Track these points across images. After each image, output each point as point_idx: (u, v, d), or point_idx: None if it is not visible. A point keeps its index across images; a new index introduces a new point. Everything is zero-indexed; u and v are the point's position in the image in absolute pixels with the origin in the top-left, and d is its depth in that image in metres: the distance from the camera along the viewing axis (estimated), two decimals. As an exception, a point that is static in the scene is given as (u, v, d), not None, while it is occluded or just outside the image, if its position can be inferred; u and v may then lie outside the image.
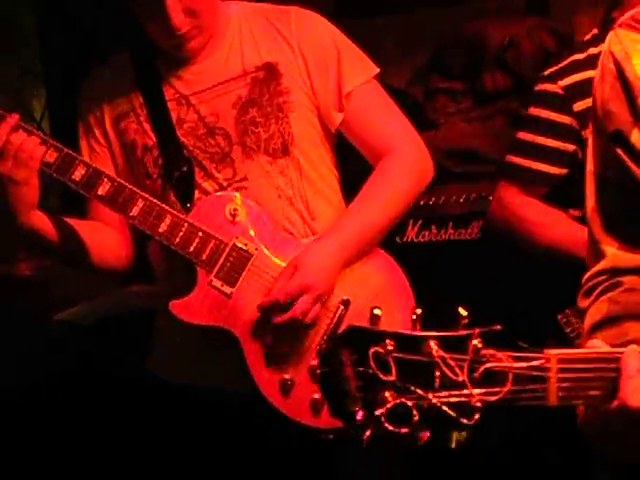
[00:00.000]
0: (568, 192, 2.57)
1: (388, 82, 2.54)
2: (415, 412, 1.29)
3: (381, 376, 1.29)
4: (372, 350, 1.30)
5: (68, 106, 2.52)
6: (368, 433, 1.28)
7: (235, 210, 2.22)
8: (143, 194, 2.20)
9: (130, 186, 2.21)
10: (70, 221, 2.29)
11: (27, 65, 4.49)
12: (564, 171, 2.57)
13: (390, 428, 1.28)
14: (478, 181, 3.41)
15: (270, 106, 2.26)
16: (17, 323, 3.52)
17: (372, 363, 1.29)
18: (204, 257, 2.19)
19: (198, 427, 2.31)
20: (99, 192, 2.19)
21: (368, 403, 1.28)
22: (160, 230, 2.19)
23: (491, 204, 2.72)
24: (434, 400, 1.28)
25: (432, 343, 1.30)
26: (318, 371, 1.30)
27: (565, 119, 2.53)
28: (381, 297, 2.27)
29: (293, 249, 2.24)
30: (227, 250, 2.20)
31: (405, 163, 2.32)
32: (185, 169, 2.25)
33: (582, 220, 2.55)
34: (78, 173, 2.18)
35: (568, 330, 2.53)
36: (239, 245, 2.21)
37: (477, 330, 1.29)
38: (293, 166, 2.29)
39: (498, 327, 1.30)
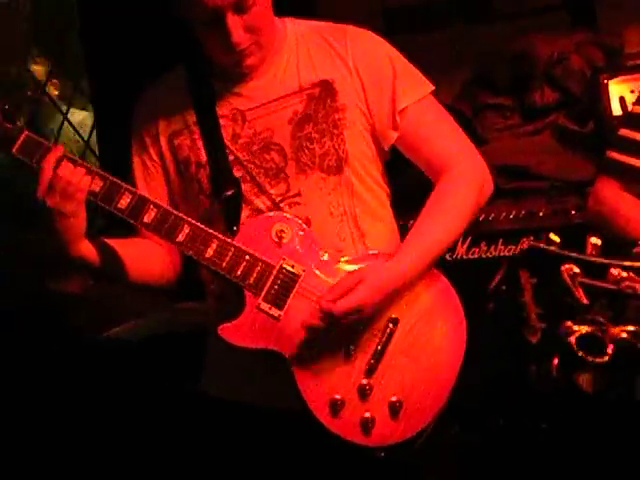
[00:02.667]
0: None
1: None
2: (611, 345, 1.24)
3: (578, 300, 1.22)
4: (566, 268, 1.24)
5: (116, 123, 2.55)
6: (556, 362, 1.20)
7: (282, 231, 2.22)
8: (189, 220, 2.21)
9: (176, 212, 2.21)
10: (116, 242, 2.30)
11: (75, 82, 4.54)
12: None
13: (585, 356, 1.24)
14: (528, 197, 3.41)
15: (325, 123, 2.26)
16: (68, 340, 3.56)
17: (569, 283, 1.22)
18: (251, 281, 2.19)
19: (251, 444, 2.30)
20: (145, 219, 2.19)
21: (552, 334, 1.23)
22: (207, 255, 2.19)
23: (589, 198, 2.68)
24: (624, 335, 1.21)
25: (615, 270, 1.22)
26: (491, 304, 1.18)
27: None
28: (430, 315, 2.26)
29: (342, 269, 2.22)
30: (274, 273, 2.19)
31: (466, 180, 2.30)
32: (232, 192, 2.25)
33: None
34: (124, 201, 2.19)
35: None
36: (286, 267, 2.20)
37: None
38: (346, 183, 2.28)
39: None
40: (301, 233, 2.22)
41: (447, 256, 3.22)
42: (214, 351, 2.39)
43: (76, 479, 3.21)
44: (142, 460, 3.22)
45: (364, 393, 2.20)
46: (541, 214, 3.42)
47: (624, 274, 1.24)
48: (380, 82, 2.30)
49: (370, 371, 2.20)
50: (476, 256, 3.37)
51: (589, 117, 3.52)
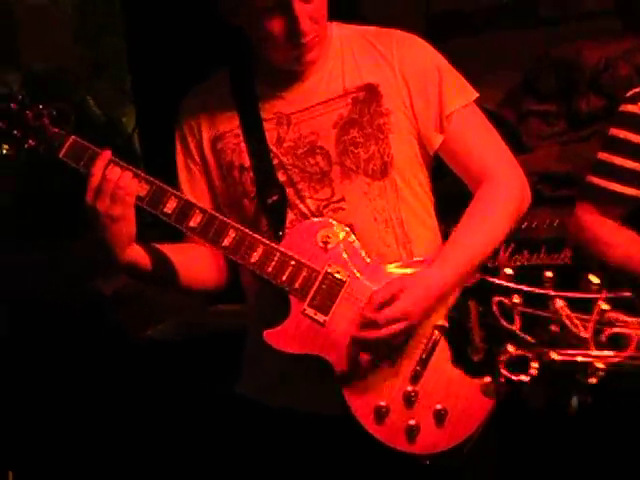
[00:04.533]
0: None
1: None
2: (535, 364, 1.42)
3: (504, 325, 1.42)
4: (496, 300, 1.44)
5: (158, 124, 2.54)
6: (487, 380, 1.45)
7: (327, 237, 2.20)
8: (235, 224, 2.20)
9: (221, 217, 2.20)
10: (165, 247, 2.30)
11: (118, 83, 4.55)
12: None
13: (507, 374, 1.44)
14: (573, 205, 3.37)
15: (370, 127, 2.24)
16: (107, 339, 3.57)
17: (496, 312, 1.45)
18: (297, 286, 2.17)
19: (292, 449, 2.29)
20: (191, 224, 2.18)
21: (490, 353, 1.45)
22: (252, 260, 2.18)
23: (570, 225, 2.68)
24: (555, 356, 1.39)
25: (559, 301, 1.40)
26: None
27: None
28: None
29: (387, 275, 2.20)
30: (320, 278, 2.18)
31: (506, 190, 2.28)
32: (277, 197, 2.24)
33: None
34: (170, 205, 2.18)
35: None
36: (332, 272, 2.18)
37: (605, 293, 1.37)
38: (391, 188, 2.26)
39: (627, 293, 1.34)
40: (347, 239, 2.20)
41: (489, 263, 3.18)
42: (253, 353, 2.38)
43: (116, 474, 3.21)
44: (179, 459, 3.21)
45: (409, 400, 2.18)
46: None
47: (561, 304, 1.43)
48: (426, 87, 2.28)
49: (415, 378, 2.18)
50: (518, 264, 3.34)
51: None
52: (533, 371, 1.42)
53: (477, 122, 2.34)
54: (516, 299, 1.46)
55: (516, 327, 1.45)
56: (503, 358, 1.45)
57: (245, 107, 2.31)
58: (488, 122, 2.36)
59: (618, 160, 2.54)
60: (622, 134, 2.55)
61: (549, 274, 1.46)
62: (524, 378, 1.43)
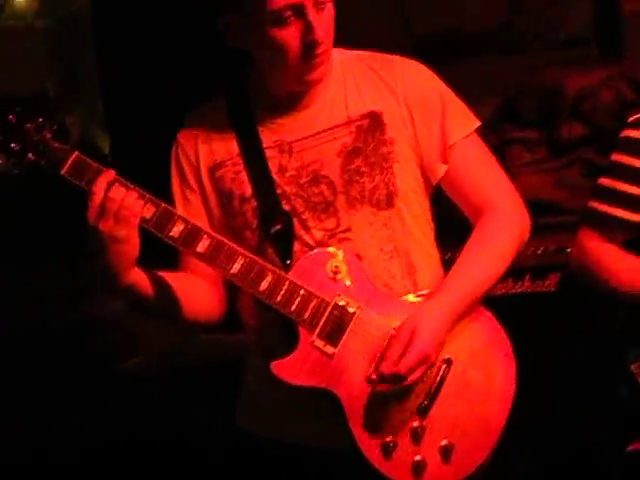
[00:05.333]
0: None
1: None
2: None
3: None
4: None
5: (131, 150, 2.47)
6: None
7: (337, 267, 2.15)
8: (243, 251, 2.13)
9: (230, 243, 2.13)
10: (163, 275, 2.22)
11: (92, 107, 4.47)
12: None
13: None
14: (556, 233, 3.37)
15: (375, 156, 2.20)
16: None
17: None
18: (306, 316, 2.12)
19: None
20: (198, 249, 2.11)
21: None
22: (261, 289, 2.12)
23: (573, 251, 2.67)
24: None
25: None
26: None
27: None
28: (482, 355, 2.20)
29: (396, 307, 2.17)
30: (329, 309, 2.12)
31: (508, 220, 2.26)
32: (282, 225, 2.18)
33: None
34: (176, 229, 2.10)
35: None
36: (341, 304, 2.13)
37: None
38: (396, 218, 2.22)
39: None
40: (356, 270, 2.16)
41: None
42: (251, 386, 2.32)
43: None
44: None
45: (416, 436, 2.13)
46: (569, 250, 3.38)
47: None
48: (430, 115, 2.25)
49: (423, 413, 2.14)
50: (503, 292, 3.33)
51: (618, 152, 3.50)
52: None
53: (479, 152, 2.31)
54: None
55: None
56: None
57: (244, 134, 2.25)
58: (489, 151, 2.33)
59: (621, 186, 2.54)
60: (625, 160, 2.55)
61: None
62: None
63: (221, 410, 2.43)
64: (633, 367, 2.50)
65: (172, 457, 3.14)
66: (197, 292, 2.28)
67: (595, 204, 2.60)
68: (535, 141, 3.63)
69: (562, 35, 3.86)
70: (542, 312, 3.34)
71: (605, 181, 2.59)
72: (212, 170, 2.26)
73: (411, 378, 2.08)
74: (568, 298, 3.35)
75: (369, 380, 2.10)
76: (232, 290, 2.30)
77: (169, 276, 2.23)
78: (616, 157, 2.59)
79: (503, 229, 2.25)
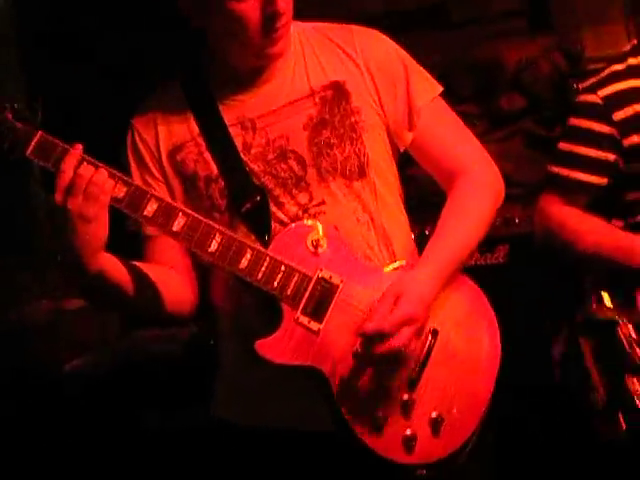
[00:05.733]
0: (611, 202, 2.60)
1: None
2: None
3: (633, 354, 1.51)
4: (622, 330, 1.58)
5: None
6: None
7: (317, 241, 2.08)
8: (220, 228, 2.04)
9: (206, 220, 2.04)
10: (136, 264, 2.12)
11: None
12: (605, 180, 2.59)
13: None
14: (503, 204, 3.36)
15: (343, 127, 2.14)
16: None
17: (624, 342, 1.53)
18: (289, 292, 2.04)
19: (283, 471, 2.16)
20: (174, 228, 2.01)
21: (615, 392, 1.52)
22: (240, 266, 2.03)
23: (535, 216, 2.70)
24: None
25: None
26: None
27: (605, 129, 2.55)
28: (467, 324, 2.17)
29: (378, 279, 2.11)
30: (312, 284, 2.05)
31: (483, 183, 2.23)
32: (258, 198, 2.11)
33: (625, 230, 2.58)
34: (150, 208, 2.00)
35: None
36: (324, 277, 2.07)
37: None
38: (369, 188, 2.17)
39: None
40: (337, 242, 2.10)
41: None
42: (228, 373, 2.23)
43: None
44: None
45: (406, 409, 2.08)
46: (517, 220, 3.40)
47: None
48: (393, 82, 2.20)
49: (412, 385, 2.09)
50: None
51: (557, 122, 3.53)
52: None
53: (446, 116, 2.28)
54: (632, 331, 1.55)
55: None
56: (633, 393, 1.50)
57: (203, 113, 2.16)
58: (455, 115, 2.29)
59: (581, 149, 2.57)
60: (583, 123, 2.58)
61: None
62: None
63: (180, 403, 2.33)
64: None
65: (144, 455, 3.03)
66: (172, 283, 2.18)
67: (556, 169, 2.62)
68: (474, 115, 3.62)
69: (492, 9, 3.86)
70: (491, 284, 3.33)
71: (564, 146, 2.62)
72: (172, 153, 2.17)
73: (400, 342, 2.01)
74: (517, 269, 3.36)
75: (355, 354, 2.04)
76: (202, 276, 2.22)
77: (143, 266, 2.13)
78: (574, 121, 2.61)
79: (480, 193, 2.21)
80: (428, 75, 2.27)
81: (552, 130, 3.55)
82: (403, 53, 2.25)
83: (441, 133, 2.24)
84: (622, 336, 1.59)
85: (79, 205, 1.92)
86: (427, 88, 2.25)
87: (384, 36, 2.26)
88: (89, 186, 1.92)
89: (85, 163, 1.95)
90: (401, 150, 2.24)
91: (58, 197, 1.92)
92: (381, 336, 2.00)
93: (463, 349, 2.14)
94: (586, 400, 1.63)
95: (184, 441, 2.78)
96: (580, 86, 2.66)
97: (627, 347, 1.59)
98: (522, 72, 3.51)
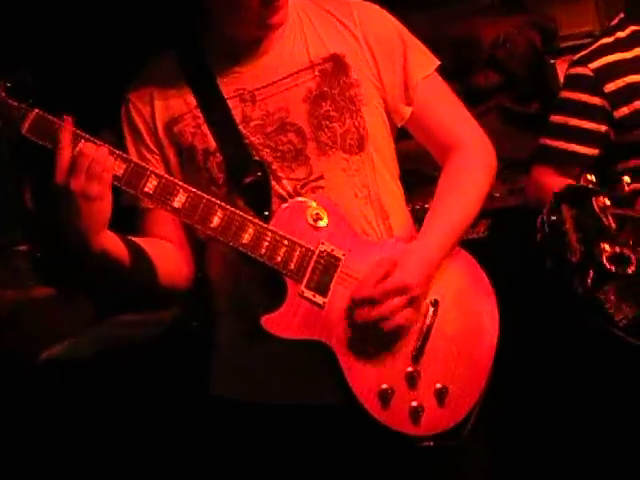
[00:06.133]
0: (603, 172, 2.59)
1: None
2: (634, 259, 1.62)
3: (605, 223, 1.63)
4: (597, 200, 1.68)
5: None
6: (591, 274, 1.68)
7: (317, 214, 2.07)
8: (222, 204, 2.02)
9: (207, 196, 2.01)
10: (134, 239, 2.09)
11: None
12: (596, 152, 2.63)
13: (611, 268, 1.64)
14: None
15: (343, 100, 2.13)
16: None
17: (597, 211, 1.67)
18: (292, 267, 2.03)
19: (288, 447, 2.14)
20: (175, 205, 1.99)
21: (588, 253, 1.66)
22: (243, 241, 2.01)
23: (527, 187, 2.74)
24: None
25: None
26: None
27: (596, 100, 2.59)
28: (466, 295, 2.17)
29: (378, 251, 2.11)
30: (314, 257, 2.04)
31: (479, 157, 2.23)
32: (259, 174, 2.08)
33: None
34: (150, 185, 1.98)
35: (608, 306, 2.56)
36: (326, 251, 2.06)
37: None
38: (368, 162, 2.16)
39: None
40: (337, 217, 2.08)
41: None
42: (226, 351, 2.21)
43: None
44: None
45: (412, 380, 2.08)
46: (498, 195, 3.42)
47: None
48: (392, 55, 2.19)
49: (416, 357, 2.09)
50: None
51: (533, 98, 3.57)
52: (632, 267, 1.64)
53: (442, 90, 2.28)
54: (607, 201, 1.67)
55: (614, 226, 1.66)
56: (603, 255, 1.65)
57: (201, 85, 2.13)
58: (451, 90, 2.30)
59: (574, 121, 2.60)
60: (575, 96, 2.60)
61: (627, 179, 1.73)
62: (626, 272, 1.67)
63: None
64: None
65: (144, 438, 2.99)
66: (169, 256, 2.16)
67: (548, 141, 2.65)
68: (452, 92, 3.63)
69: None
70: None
71: (556, 118, 2.65)
72: (169, 125, 2.14)
73: (389, 309, 2.01)
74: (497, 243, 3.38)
75: (353, 323, 2.03)
76: (198, 253, 2.20)
77: (140, 240, 2.11)
78: (565, 94, 2.64)
79: (476, 167, 2.22)
80: (425, 49, 2.27)
81: (528, 106, 3.58)
82: (401, 27, 2.25)
83: (438, 107, 2.24)
84: (596, 205, 1.73)
85: (82, 185, 1.89)
86: (425, 62, 2.24)
87: (382, 10, 2.25)
88: (92, 164, 1.89)
89: (84, 141, 1.92)
90: (398, 125, 2.24)
91: (59, 177, 1.89)
92: (370, 302, 2.00)
93: (463, 320, 2.14)
94: (564, 258, 1.76)
95: (182, 421, 2.75)
96: (571, 59, 2.71)
97: (601, 215, 1.73)
98: (498, 49, 3.53)
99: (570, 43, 3.63)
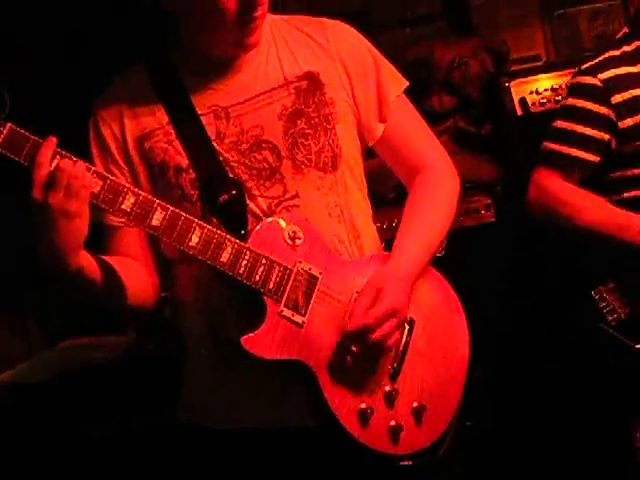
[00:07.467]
0: (600, 180, 2.74)
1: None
2: None
3: None
4: None
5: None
6: None
7: (294, 233, 2.05)
8: (200, 222, 1.98)
9: (184, 214, 1.97)
10: (106, 258, 2.05)
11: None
12: (598, 159, 2.72)
13: None
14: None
15: (317, 117, 2.12)
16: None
17: None
18: (271, 286, 2.00)
19: (262, 472, 2.11)
20: (153, 223, 1.94)
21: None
22: (222, 260, 1.98)
23: (529, 191, 2.79)
24: None
25: None
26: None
27: (602, 110, 2.70)
28: (438, 312, 2.18)
29: (354, 269, 2.11)
30: (293, 276, 2.02)
31: (447, 179, 2.26)
32: (234, 192, 2.05)
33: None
34: (128, 202, 1.93)
35: (602, 305, 2.69)
36: (304, 269, 2.04)
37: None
38: (341, 181, 2.15)
39: None
40: (312, 236, 2.07)
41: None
42: (196, 377, 2.17)
43: None
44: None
45: (390, 400, 2.08)
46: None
47: None
48: (365, 75, 2.19)
49: (393, 376, 2.09)
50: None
51: (485, 119, 3.61)
52: None
53: (411, 111, 2.29)
54: None
55: None
56: None
57: (173, 101, 2.10)
58: (416, 110, 2.31)
59: (579, 128, 2.69)
60: (580, 103, 2.72)
61: None
62: None
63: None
64: (593, 293, 2.71)
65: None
66: (137, 276, 2.12)
67: (552, 145, 2.74)
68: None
69: (411, 13, 3.90)
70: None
71: (562, 124, 2.74)
72: (140, 141, 2.10)
73: (384, 334, 2.00)
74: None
75: (339, 347, 2.02)
76: (166, 275, 2.17)
77: (110, 259, 2.06)
78: (572, 101, 2.74)
79: (444, 187, 2.24)
80: (395, 70, 2.28)
81: (481, 127, 3.62)
82: (371, 46, 2.25)
83: (408, 128, 2.25)
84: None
85: (60, 201, 1.84)
86: (395, 82, 2.26)
87: (354, 30, 2.25)
88: (70, 180, 1.84)
89: (59, 157, 1.87)
90: (370, 144, 2.24)
91: (37, 193, 1.84)
92: (367, 331, 1.99)
93: (437, 337, 2.15)
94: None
95: (146, 446, 2.70)
96: (579, 68, 2.79)
97: None
98: (452, 72, 3.56)
99: (519, 67, 3.70)
